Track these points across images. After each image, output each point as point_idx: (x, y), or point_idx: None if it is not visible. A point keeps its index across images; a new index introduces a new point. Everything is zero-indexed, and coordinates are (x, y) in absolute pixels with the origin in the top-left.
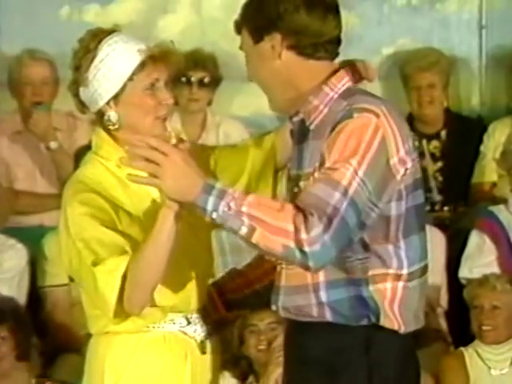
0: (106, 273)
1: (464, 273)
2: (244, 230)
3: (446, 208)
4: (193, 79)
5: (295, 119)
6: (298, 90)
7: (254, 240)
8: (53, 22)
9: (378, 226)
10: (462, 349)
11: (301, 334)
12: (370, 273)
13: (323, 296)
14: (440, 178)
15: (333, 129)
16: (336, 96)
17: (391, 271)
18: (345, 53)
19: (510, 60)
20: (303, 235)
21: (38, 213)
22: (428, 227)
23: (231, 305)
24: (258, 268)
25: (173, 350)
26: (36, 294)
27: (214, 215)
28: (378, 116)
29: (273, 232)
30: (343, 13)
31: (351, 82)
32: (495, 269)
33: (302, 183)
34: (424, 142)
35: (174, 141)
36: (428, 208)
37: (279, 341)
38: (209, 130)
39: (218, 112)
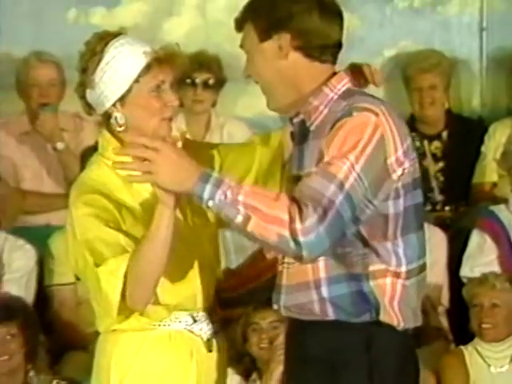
0: (108, 273)
1: (465, 272)
2: (239, 219)
3: (447, 208)
4: (197, 81)
5: (295, 120)
6: (299, 91)
7: (249, 228)
8: (60, 25)
9: (376, 223)
10: (462, 347)
11: (302, 333)
12: (370, 268)
13: (325, 292)
14: (441, 178)
15: (332, 127)
16: (336, 97)
17: (390, 268)
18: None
19: (511, 62)
20: (298, 225)
21: (45, 212)
22: (429, 227)
23: (225, 304)
24: (252, 268)
25: (178, 348)
26: (43, 292)
27: (211, 203)
28: (377, 115)
29: (268, 221)
30: (346, 15)
31: (350, 83)
32: (496, 268)
33: None
34: (425, 142)
35: (180, 143)
36: (429, 208)
37: (281, 339)
38: (213, 130)
39: (222, 113)
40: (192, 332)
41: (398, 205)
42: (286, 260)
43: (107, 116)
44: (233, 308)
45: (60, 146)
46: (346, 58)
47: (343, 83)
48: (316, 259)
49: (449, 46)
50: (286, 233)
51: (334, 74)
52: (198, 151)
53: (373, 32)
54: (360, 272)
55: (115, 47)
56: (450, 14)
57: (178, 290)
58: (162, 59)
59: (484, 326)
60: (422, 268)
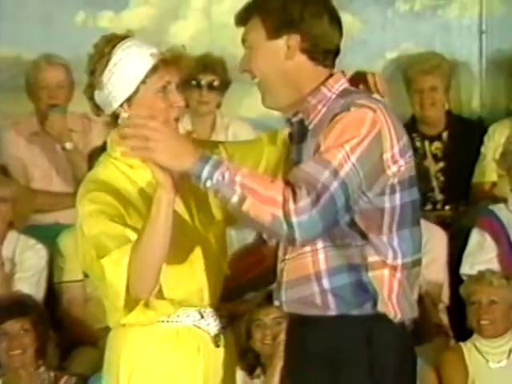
0: (113, 262)
1: (465, 269)
2: (235, 199)
3: (447, 207)
4: (203, 82)
5: (294, 119)
6: (300, 91)
7: (244, 208)
8: (68, 28)
9: (371, 217)
10: (461, 343)
11: (302, 329)
12: (369, 260)
13: (326, 283)
14: (442, 178)
15: (330, 122)
16: (334, 96)
17: (387, 261)
18: (350, 57)
19: (509, 64)
20: (291, 205)
21: (54, 211)
22: (430, 225)
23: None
24: (240, 263)
25: (185, 343)
26: (52, 289)
27: (209, 183)
28: (374, 111)
29: (263, 201)
30: (348, 18)
31: (347, 83)
32: (495, 266)
33: None
34: (426, 143)
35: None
36: (430, 207)
37: (284, 335)
38: (218, 131)
39: (226, 114)
40: (199, 327)
41: (394, 200)
42: (288, 256)
43: (115, 116)
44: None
45: (69, 146)
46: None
47: (340, 83)
48: (308, 242)
49: (449, 49)
50: (280, 213)
51: (331, 74)
52: (206, 149)
53: (375, 35)
54: (359, 263)
55: (122, 49)
56: (451, 17)
57: (184, 285)
58: (169, 61)
59: (482, 322)
60: (416, 263)
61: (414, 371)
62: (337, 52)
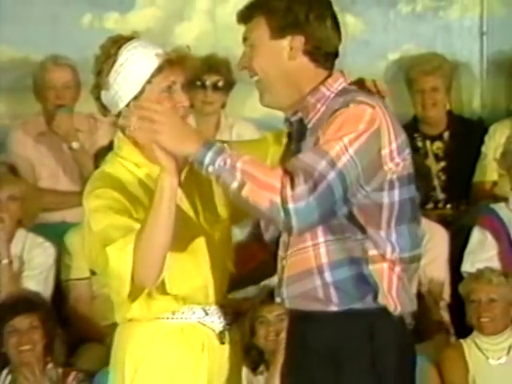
0: (118, 250)
1: (466, 267)
2: (235, 184)
3: (448, 206)
4: (207, 83)
5: (294, 118)
6: (300, 91)
7: (243, 193)
8: (75, 30)
9: (370, 212)
10: (461, 340)
11: (304, 326)
12: (369, 253)
13: (328, 277)
14: (443, 177)
15: (329, 118)
16: (333, 95)
17: (386, 255)
18: (353, 58)
19: (510, 65)
20: (288, 191)
21: (61, 210)
22: (431, 224)
23: None
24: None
25: (190, 340)
26: (59, 286)
27: (210, 169)
28: (373, 108)
29: (262, 187)
30: (351, 19)
31: (346, 82)
32: (496, 264)
33: None
34: (428, 142)
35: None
36: (431, 206)
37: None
38: (222, 131)
39: (231, 114)
40: (204, 325)
41: (393, 196)
42: (288, 252)
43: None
44: None
45: (75, 145)
46: (351, 60)
47: (339, 82)
48: (305, 231)
49: (450, 50)
50: (278, 199)
51: (330, 74)
52: None
53: (377, 36)
54: (360, 256)
55: (128, 50)
56: (452, 18)
57: (188, 282)
58: (174, 61)
59: (483, 320)
60: (415, 259)
61: (414, 367)
62: (336, 54)
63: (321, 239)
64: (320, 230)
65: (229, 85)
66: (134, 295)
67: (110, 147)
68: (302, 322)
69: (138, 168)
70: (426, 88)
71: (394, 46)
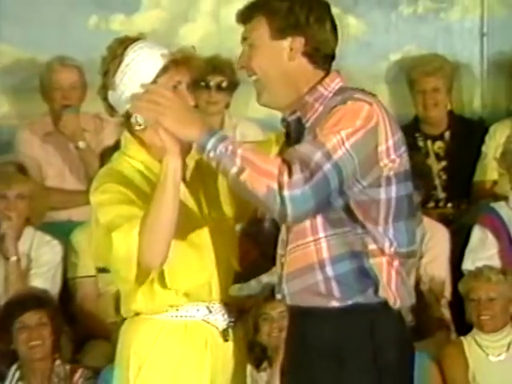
0: (124, 233)
1: (467, 265)
2: (234, 170)
3: (449, 205)
4: (211, 83)
5: (292, 118)
6: (298, 91)
7: (242, 178)
8: (81, 31)
9: (368, 208)
10: (462, 338)
11: (305, 322)
12: (369, 247)
13: (329, 271)
14: (444, 177)
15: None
16: (330, 95)
17: (384, 250)
18: (355, 58)
19: (510, 65)
20: (285, 178)
21: (67, 208)
22: (432, 223)
23: None
24: None
25: (193, 337)
26: (65, 284)
27: (212, 154)
28: (371, 104)
29: (260, 173)
30: (353, 21)
31: (342, 82)
32: (497, 262)
33: None
34: (429, 142)
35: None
36: (432, 205)
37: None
38: (226, 131)
39: (234, 114)
40: (208, 322)
41: (390, 192)
42: (288, 248)
43: (128, 116)
44: None
45: (82, 145)
46: (353, 61)
47: (336, 82)
48: (299, 220)
49: (451, 51)
50: (275, 185)
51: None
52: None
53: (379, 37)
54: (360, 250)
55: (134, 50)
56: (452, 19)
57: (192, 276)
58: (179, 61)
59: (483, 318)
60: (412, 254)
61: (413, 363)
62: (333, 57)
63: (321, 234)
64: (320, 225)
65: (233, 85)
66: (140, 279)
67: (115, 147)
68: (302, 319)
69: (144, 167)
70: (427, 88)
71: (395, 47)
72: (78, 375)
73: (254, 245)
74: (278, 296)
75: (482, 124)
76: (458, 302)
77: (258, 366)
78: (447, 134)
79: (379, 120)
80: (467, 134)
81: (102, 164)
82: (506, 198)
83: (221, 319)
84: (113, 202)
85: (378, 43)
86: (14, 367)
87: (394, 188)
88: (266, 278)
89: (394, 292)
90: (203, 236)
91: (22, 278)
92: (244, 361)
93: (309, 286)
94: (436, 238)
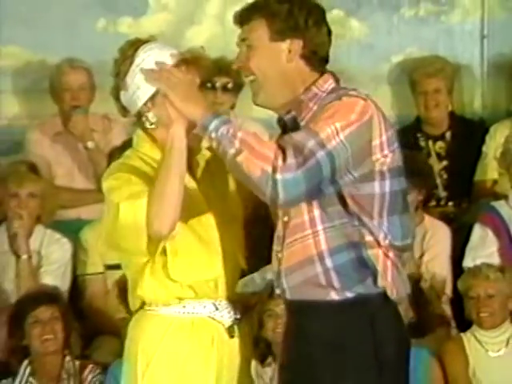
0: (131, 202)
1: (468, 263)
2: (232, 151)
3: (450, 203)
4: (217, 85)
5: (287, 117)
6: (294, 92)
7: (238, 160)
8: (90, 34)
9: (363, 203)
10: (462, 334)
11: (306, 318)
12: (366, 239)
13: (329, 262)
14: (445, 176)
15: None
16: (324, 95)
17: (380, 242)
18: (358, 60)
19: (510, 67)
20: (279, 162)
21: (76, 207)
22: (434, 221)
23: None
24: None
25: (200, 334)
26: (74, 281)
27: (213, 135)
28: (365, 100)
29: (256, 156)
30: (356, 23)
31: (335, 83)
32: (496, 259)
33: None
34: (430, 142)
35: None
36: (434, 203)
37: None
38: None
39: (240, 115)
40: (214, 319)
41: (384, 187)
42: (285, 243)
43: (140, 115)
44: None
45: (90, 145)
46: (356, 63)
47: (329, 83)
48: (290, 204)
49: (452, 53)
50: (269, 169)
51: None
52: None
53: (381, 39)
54: (358, 240)
55: (145, 51)
56: (453, 22)
57: (199, 270)
58: (189, 60)
59: (482, 315)
60: (405, 248)
61: (409, 357)
62: (327, 59)
63: (319, 227)
64: (318, 218)
65: (238, 86)
66: (151, 248)
67: (123, 147)
68: (302, 314)
69: (156, 163)
70: (428, 90)
71: (397, 49)
72: (87, 371)
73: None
74: (277, 291)
75: (482, 124)
76: (459, 299)
77: (262, 361)
78: (448, 134)
79: (373, 115)
80: (468, 134)
81: (109, 164)
82: (505, 197)
83: (227, 316)
84: (124, 185)
85: (381, 45)
86: (25, 362)
87: (387, 183)
88: (270, 275)
89: (391, 282)
90: (211, 232)
91: (33, 276)
92: (249, 357)
93: (309, 278)
94: (437, 236)
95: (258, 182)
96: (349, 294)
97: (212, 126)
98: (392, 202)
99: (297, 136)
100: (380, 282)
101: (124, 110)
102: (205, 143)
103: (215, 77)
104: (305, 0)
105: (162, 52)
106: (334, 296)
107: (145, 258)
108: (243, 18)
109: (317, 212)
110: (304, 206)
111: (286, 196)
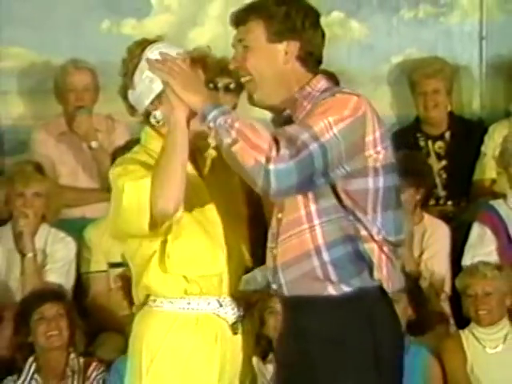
0: (135, 183)
1: (466, 261)
2: (228, 140)
3: (449, 202)
4: (219, 85)
5: (282, 116)
6: (289, 91)
7: (233, 149)
8: (94, 35)
9: (357, 198)
10: (460, 331)
11: (304, 315)
12: (361, 233)
13: (325, 256)
14: (444, 175)
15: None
16: (318, 94)
17: (374, 236)
18: (358, 61)
19: (508, 68)
20: (273, 152)
21: (80, 206)
22: (433, 220)
23: None
24: None
25: (204, 330)
26: (78, 279)
27: (211, 124)
28: (359, 97)
29: (251, 146)
30: (356, 25)
31: (327, 83)
32: (495, 258)
33: None
34: (429, 142)
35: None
36: (433, 202)
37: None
38: None
39: (241, 115)
40: (218, 316)
41: (378, 182)
42: (280, 239)
43: (147, 114)
44: None
45: (94, 144)
46: (356, 64)
47: (322, 83)
48: (283, 194)
49: (451, 54)
50: (262, 159)
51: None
52: None
53: (381, 40)
54: (354, 234)
55: (151, 51)
56: (452, 23)
57: (204, 265)
58: (195, 59)
59: (480, 312)
60: (398, 243)
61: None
62: (320, 61)
63: (316, 221)
64: (315, 213)
65: (240, 87)
66: (155, 228)
67: (126, 147)
68: (300, 311)
69: None
70: (428, 90)
71: (397, 50)
72: (91, 368)
73: None
74: (274, 286)
75: (481, 124)
76: (458, 297)
77: (264, 358)
78: (447, 134)
79: (367, 111)
80: (467, 134)
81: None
82: (504, 196)
83: (230, 313)
84: (129, 173)
85: (380, 46)
86: (30, 359)
87: (381, 178)
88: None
89: (386, 275)
90: (217, 228)
91: (38, 274)
92: (251, 353)
93: (306, 272)
94: (436, 235)
95: (250, 172)
96: (346, 288)
97: (211, 116)
98: (386, 198)
99: (290, 129)
100: (376, 275)
101: (132, 109)
102: (211, 142)
103: (217, 77)
104: (301, 2)
105: (168, 51)
106: (331, 291)
107: (150, 250)
108: (240, 18)
109: (313, 207)
110: (300, 200)
111: (277, 186)
